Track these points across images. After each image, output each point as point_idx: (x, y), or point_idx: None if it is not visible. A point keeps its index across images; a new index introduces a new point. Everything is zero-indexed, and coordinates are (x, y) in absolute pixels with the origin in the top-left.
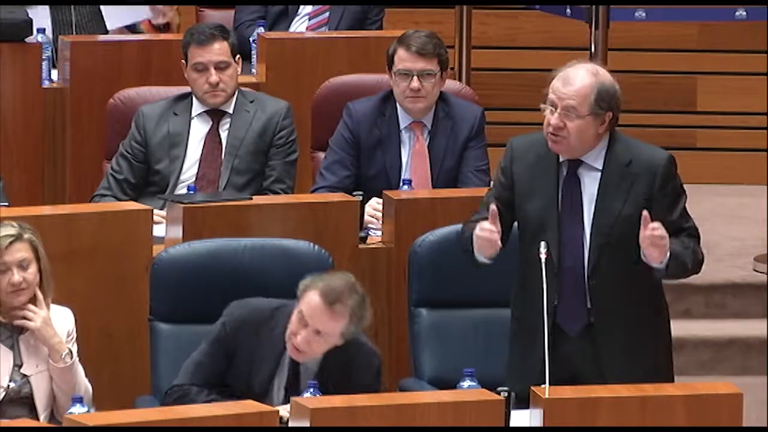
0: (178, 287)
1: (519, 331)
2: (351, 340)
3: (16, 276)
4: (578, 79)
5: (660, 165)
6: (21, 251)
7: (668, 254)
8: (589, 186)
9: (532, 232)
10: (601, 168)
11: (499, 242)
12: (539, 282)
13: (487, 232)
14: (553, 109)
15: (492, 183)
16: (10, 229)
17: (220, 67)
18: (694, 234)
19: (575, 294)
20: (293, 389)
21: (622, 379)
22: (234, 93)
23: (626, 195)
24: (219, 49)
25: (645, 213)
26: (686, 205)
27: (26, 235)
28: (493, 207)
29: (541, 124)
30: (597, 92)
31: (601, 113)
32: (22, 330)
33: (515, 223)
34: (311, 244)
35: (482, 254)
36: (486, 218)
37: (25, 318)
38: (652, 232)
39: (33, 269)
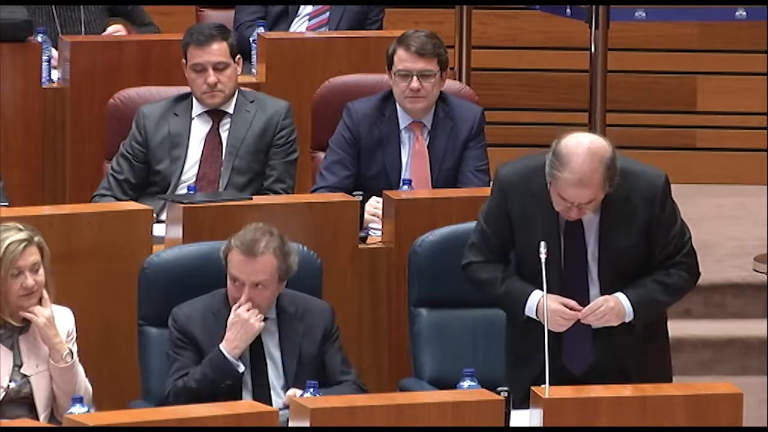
0: (168, 291)
1: (517, 343)
2: (299, 300)
3: (30, 280)
4: (589, 178)
5: (657, 192)
6: (33, 255)
7: (631, 311)
8: (590, 224)
9: (531, 273)
10: (600, 206)
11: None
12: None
13: (569, 317)
14: (570, 205)
15: (485, 215)
16: (21, 234)
17: (219, 67)
18: (687, 255)
19: (580, 333)
20: (258, 354)
21: (625, 378)
22: (233, 93)
23: (629, 228)
24: (217, 50)
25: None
26: (681, 218)
27: (36, 238)
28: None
29: (540, 124)
30: (607, 178)
31: (611, 185)
32: (22, 330)
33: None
34: (300, 245)
35: (553, 328)
36: (490, 259)
37: (31, 313)
38: (586, 321)
39: (42, 271)
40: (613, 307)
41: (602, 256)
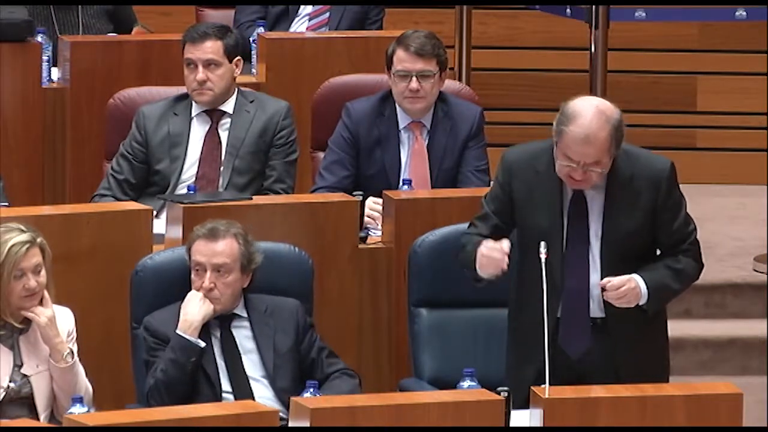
0: (161, 294)
1: (517, 342)
2: (267, 300)
3: (32, 281)
4: (595, 134)
5: (663, 177)
6: (36, 256)
7: (646, 293)
8: (594, 203)
9: (534, 249)
10: (604, 184)
11: (505, 265)
12: (538, 299)
13: (496, 252)
14: (574, 166)
15: (488, 196)
16: (24, 235)
17: (209, 65)
18: (693, 243)
19: (579, 314)
20: (231, 348)
21: (622, 378)
22: (225, 93)
23: (632, 209)
24: (210, 48)
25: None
26: (686, 208)
27: (38, 240)
28: (507, 244)
29: (540, 124)
30: (614, 138)
31: (617, 149)
32: (22, 330)
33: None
34: (291, 246)
35: (484, 273)
36: (486, 236)
37: (33, 313)
38: (606, 296)
39: (43, 272)
40: (634, 288)
41: (605, 235)
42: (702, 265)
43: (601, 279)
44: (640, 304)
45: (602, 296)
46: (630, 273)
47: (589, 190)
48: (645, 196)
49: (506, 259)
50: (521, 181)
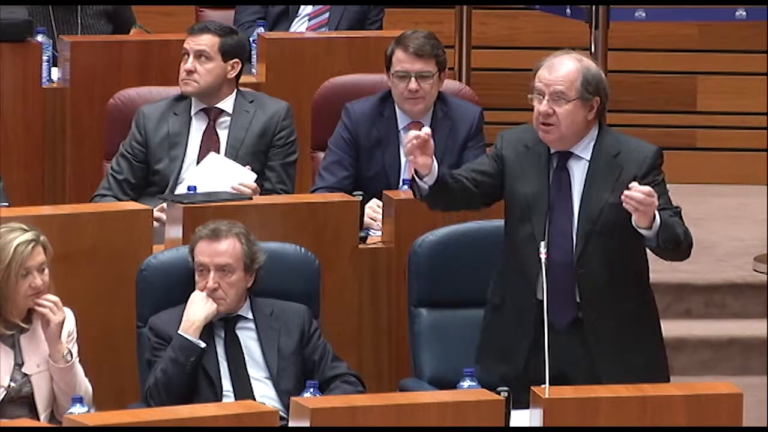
0: (166, 293)
1: (501, 318)
2: (274, 303)
3: (38, 280)
4: (563, 65)
5: (648, 157)
6: (40, 254)
7: (658, 221)
8: (578, 176)
9: (519, 220)
10: (589, 158)
11: (431, 144)
12: (524, 269)
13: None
14: (541, 98)
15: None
16: (28, 234)
17: (200, 57)
18: (682, 219)
19: (564, 287)
20: (234, 348)
21: (612, 375)
22: (211, 89)
23: (613, 185)
24: (204, 40)
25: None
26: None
27: (41, 238)
28: (427, 128)
29: None
30: (583, 76)
31: (589, 98)
32: (22, 329)
33: (502, 206)
34: (298, 246)
35: (419, 171)
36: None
37: (48, 309)
38: (630, 194)
39: (47, 271)
40: (654, 207)
41: (583, 206)
42: (692, 240)
43: (576, 249)
44: (651, 231)
45: (625, 197)
46: (603, 249)
47: (575, 163)
48: (627, 171)
49: (417, 141)
50: (512, 151)
